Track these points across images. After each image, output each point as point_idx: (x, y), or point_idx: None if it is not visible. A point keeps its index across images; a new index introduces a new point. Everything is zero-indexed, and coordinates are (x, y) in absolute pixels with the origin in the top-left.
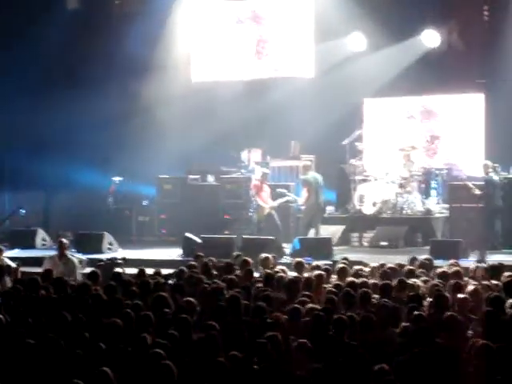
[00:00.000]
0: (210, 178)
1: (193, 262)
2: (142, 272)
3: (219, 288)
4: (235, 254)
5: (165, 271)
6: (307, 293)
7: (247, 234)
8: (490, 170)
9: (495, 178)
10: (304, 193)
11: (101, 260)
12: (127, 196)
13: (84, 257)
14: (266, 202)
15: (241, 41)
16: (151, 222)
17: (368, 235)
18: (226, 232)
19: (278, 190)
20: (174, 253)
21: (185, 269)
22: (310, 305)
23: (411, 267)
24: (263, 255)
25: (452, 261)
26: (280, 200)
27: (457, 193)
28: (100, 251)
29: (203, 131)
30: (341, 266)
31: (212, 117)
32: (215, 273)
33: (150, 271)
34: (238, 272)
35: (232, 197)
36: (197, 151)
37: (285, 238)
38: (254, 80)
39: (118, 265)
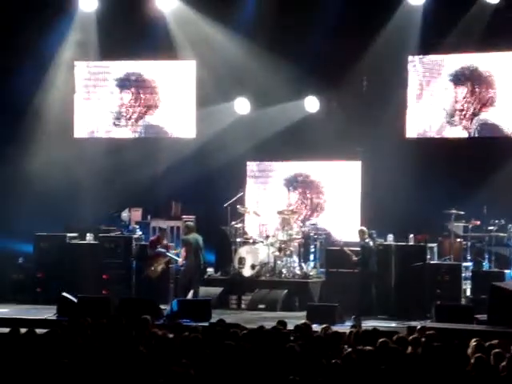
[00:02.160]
0: (89, 237)
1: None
2: (15, 331)
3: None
4: (112, 314)
5: (39, 331)
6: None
7: (125, 295)
8: (366, 236)
9: (371, 244)
10: (183, 253)
11: None
12: (1, 253)
13: None
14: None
15: (124, 100)
16: (27, 281)
17: (247, 298)
18: (104, 292)
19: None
20: (50, 312)
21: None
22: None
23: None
24: (142, 316)
25: (325, 325)
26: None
27: (334, 258)
28: None
29: (84, 189)
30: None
31: (92, 174)
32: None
33: (23, 331)
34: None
35: (111, 256)
36: (77, 209)
37: (164, 299)
38: (135, 139)
39: None
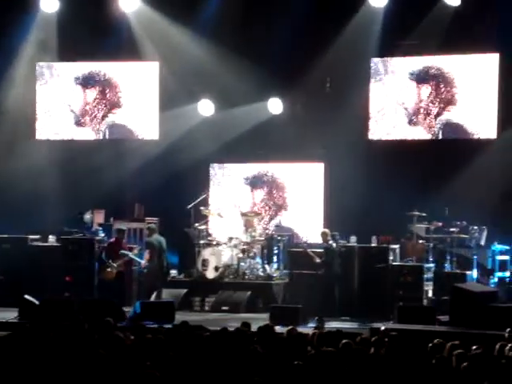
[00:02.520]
0: (52, 239)
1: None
2: None
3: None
4: (75, 317)
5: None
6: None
7: (88, 297)
8: (329, 238)
9: (334, 245)
10: (146, 255)
11: None
12: None
13: None
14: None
15: (88, 98)
16: None
17: (210, 299)
18: (67, 294)
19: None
20: (11, 315)
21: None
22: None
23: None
24: (104, 319)
25: (290, 327)
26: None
27: (297, 259)
28: None
29: (46, 190)
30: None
31: (55, 176)
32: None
33: None
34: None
35: (74, 258)
36: (39, 211)
37: (127, 301)
38: (98, 141)
39: None
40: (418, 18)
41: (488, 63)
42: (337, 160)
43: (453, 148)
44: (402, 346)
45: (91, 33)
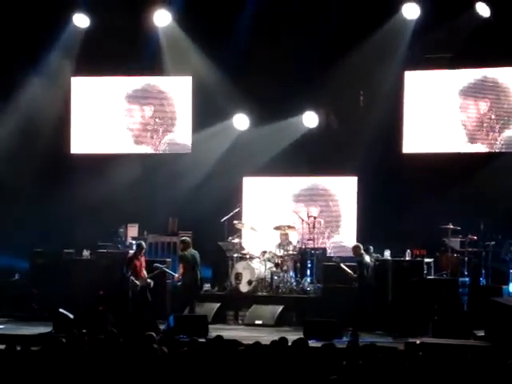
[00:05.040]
0: (86, 253)
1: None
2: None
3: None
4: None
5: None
6: None
7: (122, 310)
8: (361, 251)
9: (367, 258)
10: (180, 269)
11: None
12: None
13: None
14: (139, 275)
15: (120, 116)
16: (22, 297)
17: (243, 313)
18: (101, 308)
19: (155, 265)
20: (46, 328)
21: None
22: None
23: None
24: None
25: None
26: (152, 273)
27: (330, 273)
28: None
29: (79, 205)
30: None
31: (88, 191)
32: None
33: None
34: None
35: (108, 272)
36: (72, 225)
37: (161, 315)
38: (131, 155)
39: None
40: (450, 30)
41: None
42: (370, 173)
43: (486, 162)
44: (438, 360)
45: (123, 48)
